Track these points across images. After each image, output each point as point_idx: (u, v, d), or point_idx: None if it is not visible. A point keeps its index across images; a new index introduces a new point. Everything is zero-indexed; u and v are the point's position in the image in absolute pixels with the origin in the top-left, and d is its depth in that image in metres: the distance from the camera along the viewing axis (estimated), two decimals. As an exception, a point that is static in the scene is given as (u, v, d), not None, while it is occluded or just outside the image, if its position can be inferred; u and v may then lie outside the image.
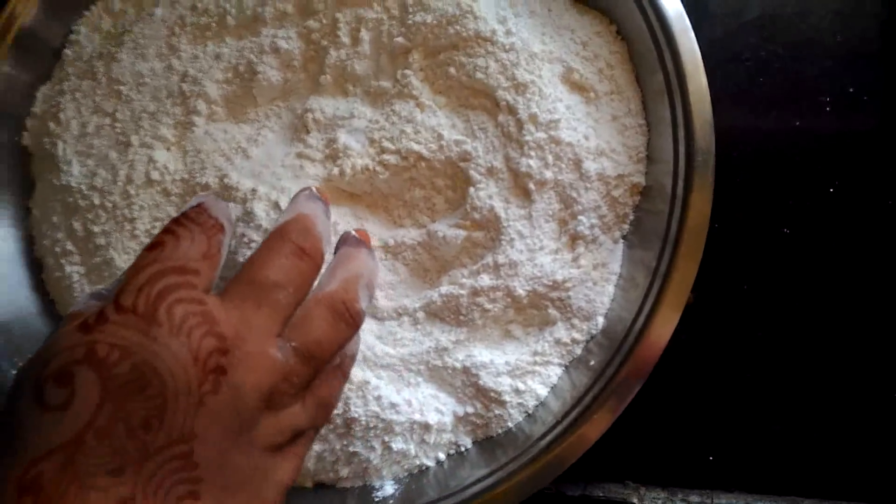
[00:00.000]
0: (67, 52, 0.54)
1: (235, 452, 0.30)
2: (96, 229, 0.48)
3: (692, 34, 0.43)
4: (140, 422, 0.27)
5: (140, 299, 0.29)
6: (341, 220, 0.47)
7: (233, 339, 0.30)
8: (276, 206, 0.45)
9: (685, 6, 0.44)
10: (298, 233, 0.35)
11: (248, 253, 0.44)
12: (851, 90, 0.50)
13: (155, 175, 0.48)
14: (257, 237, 0.45)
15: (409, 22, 0.47)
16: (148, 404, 0.27)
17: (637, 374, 0.42)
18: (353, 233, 0.39)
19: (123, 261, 0.48)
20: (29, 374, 0.28)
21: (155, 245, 0.31)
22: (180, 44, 0.51)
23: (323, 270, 0.36)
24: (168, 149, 0.50)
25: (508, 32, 0.46)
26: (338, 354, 0.35)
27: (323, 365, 0.34)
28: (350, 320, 0.34)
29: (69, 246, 0.50)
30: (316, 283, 0.35)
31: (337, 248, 0.39)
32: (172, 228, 0.32)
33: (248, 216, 0.45)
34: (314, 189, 0.39)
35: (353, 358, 0.38)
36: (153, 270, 0.30)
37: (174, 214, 0.47)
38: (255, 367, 0.30)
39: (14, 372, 0.48)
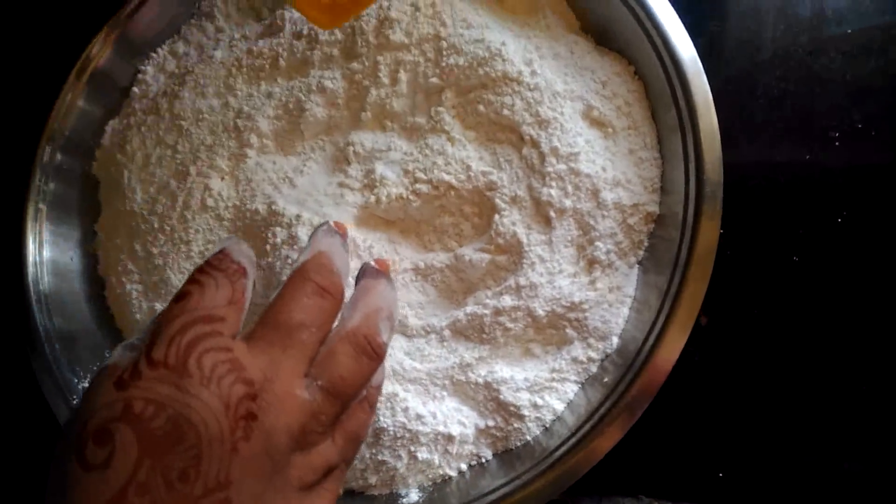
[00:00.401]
0: (135, 90, 0.59)
1: (271, 494, 0.30)
2: (155, 251, 0.53)
3: (704, 76, 0.47)
4: (178, 474, 0.28)
5: (171, 352, 0.30)
6: (376, 244, 0.51)
7: (261, 384, 0.30)
8: (317, 229, 0.49)
9: (702, 47, 0.47)
10: (318, 271, 0.35)
11: (291, 272, 0.49)
12: (860, 126, 0.52)
13: (210, 202, 0.53)
14: (299, 258, 0.49)
15: (444, 64, 0.51)
16: (184, 456, 0.28)
17: (647, 390, 0.44)
18: (373, 263, 0.40)
19: (178, 280, 0.52)
20: (71, 432, 0.29)
21: (182, 296, 0.32)
22: (236, 83, 0.56)
23: (345, 302, 0.37)
24: (223, 178, 0.54)
25: (533, 73, 0.50)
26: (364, 388, 0.36)
27: (350, 400, 0.35)
28: (373, 354, 0.35)
29: (130, 266, 0.54)
30: (338, 317, 0.36)
31: (357, 279, 0.40)
32: (197, 278, 0.33)
33: (292, 239, 0.49)
34: (331, 223, 0.40)
35: (378, 388, 0.39)
36: (182, 322, 0.31)
37: (224, 237, 0.52)
38: (284, 409, 0.31)
39: (75, 380, 0.52)
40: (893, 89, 0.52)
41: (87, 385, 0.52)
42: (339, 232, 0.40)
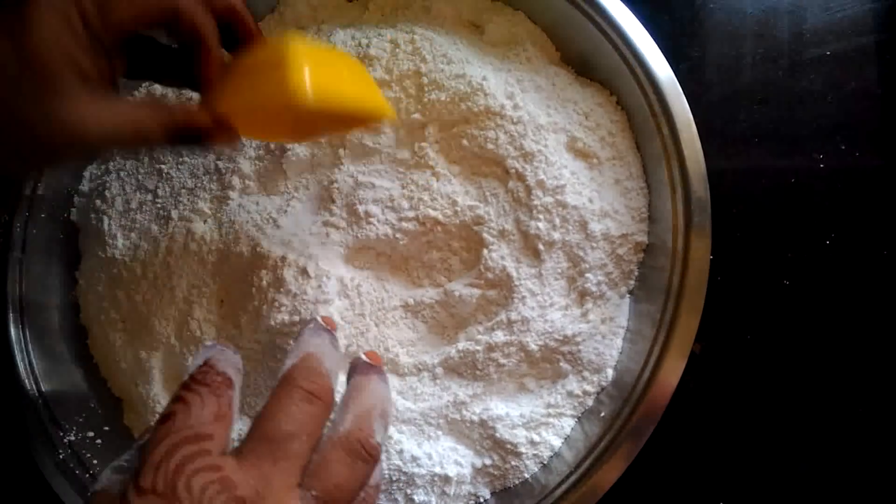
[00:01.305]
0: (113, 134, 0.59)
1: None
2: (138, 298, 0.52)
3: (685, 101, 0.47)
4: None
5: (159, 478, 0.29)
6: (364, 282, 0.50)
7: (253, 500, 0.30)
8: (304, 271, 0.49)
9: (683, 73, 0.47)
10: (306, 376, 0.34)
11: (279, 317, 0.48)
12: (843, 147, 0.52)
13: (193, 246, 0.52)
14: (287, 301, 0.48)
15: (425, 100, 0.51)
16: None
17: (647, 420, 0.44)
18: (363, 357, 0.39)
19: (162, 326, 0.51)
20: None
21: (167, 417, 0.31)
22: (216, 125, 0.55)
23: (337, 400, 0.36)
24: (205, 221, 0.53)
25: (516, 107, 0.50)
26: (360, 491, 0.35)
27: None
28: (367, 457, 0.34)
29: (113, 314, 0.53)
30: (330, 419, 0.36)
31: (349, 376, 0.39)
32: (182, 395, 0.32)
33: (278, 282, 0.49)
34: (319, 319, 0.39)
35: (377, 488, 0.38)
36: (168, 444, 0.30)
37: (209, 282, 0.51)
38: None
39: (62, 435, 0.51)
40: (876, 110, 0.52)
41: (73, 438, 0.51)
42: (328, 328, 0.39)
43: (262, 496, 0.30)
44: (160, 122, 0.37)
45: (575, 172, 0.49)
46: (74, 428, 0.52)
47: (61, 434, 0.51)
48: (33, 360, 0.53)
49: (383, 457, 0.45)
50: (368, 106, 0.42)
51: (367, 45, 0.52)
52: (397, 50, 0.52)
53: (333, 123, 0.43)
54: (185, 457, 0.30)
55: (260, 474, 0.31)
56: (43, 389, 0.52)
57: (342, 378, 0.40)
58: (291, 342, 0.48)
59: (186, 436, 0.30)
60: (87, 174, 0.59)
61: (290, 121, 0.40)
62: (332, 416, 0.35)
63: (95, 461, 0.50)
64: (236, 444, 0.32)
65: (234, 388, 0.34)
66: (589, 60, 0.53)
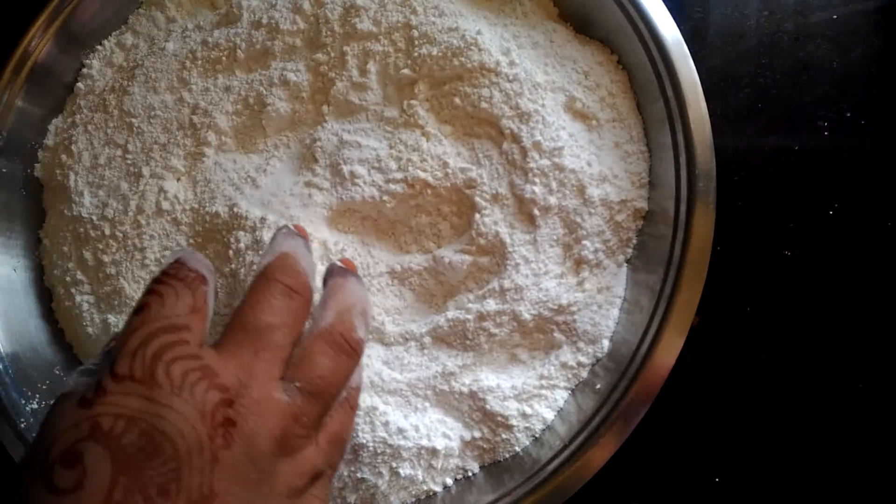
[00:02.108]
0: (80, 85, 0.55)
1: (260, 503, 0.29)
2: (107, 259, 0.49)
3: (691, 62, 0.44)
4: (157, 490, 0.26)
5: (136, 364, 0.28)
6: (349, 247, 0.48)
7: (236, 389, 0.29)
8: (285, 233, 0.46)
9: (685, 35, 0.45)
10: (283, 272, 0.34)
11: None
12: (849, 114, 0.51)
13: (165, 205, 0.49)
14: (266, 264, 0.45)
15: (415, 54, 0.48)
16: (162, 469, 0.26)
17: (643, 397, 0.42)
18: (339, 262, 0.39)
19: (133, 290, 0.48)
20: (34, 459, 0.27)
21: (141, 308, 0.30)
22: (191, 77, 0.52)
23: (314, 306, 0.36)
24: (178, 179, 0.50)
25: (512, 63, 0.47)
26: (344, 388, 0.35)
27: (331, 401, 0.33)
28: (350, 351, 0.34)
29: (79, 275, 0.50)
30: (309, 319, 0.35)
31: (325, 282, 0.38)
32: (155, 288, 0.31)
33: (257, 244, 0.46)
34: (291, 226, 0.39)
35: (358, 389, 0.37)
36: (144, 333, 0.29)
37: (183, 243, 0.48)
38: (263, 413, 0.29)
39: (22, 402, 0.48)
40: (881, 76, 0.51)
41: (36, 406, 0.48)
42: (301, 234, 0.38)
43: (245, 385, 0.29)
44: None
45: (573, 134, 0.47)
46: (38, 396, 0.49)
47: (23, 402, 0.48)
48: (-7, 325, 0.50)
49: (368, 427, 0.44)
50: None
51: (355, -6, 0.49)
52: (386, 0, 0.49)
53: None
54: (162, 345, 0.29)
55: (241, 364, 0.30)
56: (3, 354, 0.49)
57: (318, 286, 0.40)
58: None
59: (162, 325, 0.29)
60: (51, 127, 0.55)
61: None
62: (311, 314, 0.35)
63: (60, 431, 0.48)
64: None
65: (208, 284, 0.33)
66: (589, 17, 0.50)
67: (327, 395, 0.32)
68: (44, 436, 0.28)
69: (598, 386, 0.44)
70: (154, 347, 0.28)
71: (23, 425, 0.47)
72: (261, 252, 0.46)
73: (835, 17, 0.52)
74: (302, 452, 0.31)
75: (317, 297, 0.38)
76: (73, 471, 0.26)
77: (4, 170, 0.53)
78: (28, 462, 0.28)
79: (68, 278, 0.50)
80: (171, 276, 0.32)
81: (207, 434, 0.27)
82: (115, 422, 0.27)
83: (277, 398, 0.30)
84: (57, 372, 0.51)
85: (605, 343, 0.46)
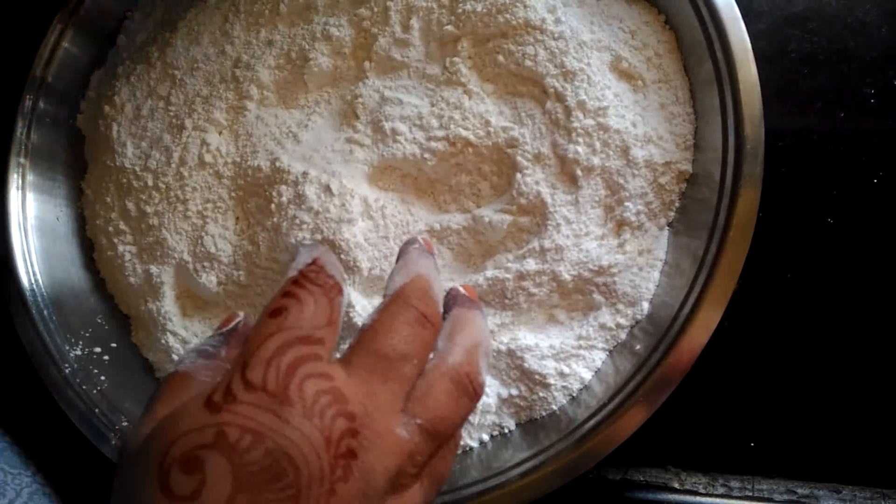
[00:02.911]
0: (122, 37, 0.55)
1: None
2: (149, 209, 0.49)
3: (742, 24, 0.44)
4: None
5: (269, 375, 0.27)
6: (389, 204, 0.48)
7: (361, 418, 0.28)
8: (327, 188, 0.46)
9: (732, 0, 0.44)
10: (420, 297, 0.32)
11: (299, 234, 0.45)
12: (896, 82, 0.50)
13: (208, 158, 0.49)
14: (308, 219, 0.46)
15: (459, 10, 0.48)
16: (281, 495, 0.25)
17: (681, 362, 0.42)
18: (462, 290, 0.37)
19: (175, 241, 0.49)
20: (151, 453, 0.26)
21: (278, 311, 0.29)
22: (233, 30, 0.52)
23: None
24: (220, 132, 0.50)
25: (558, 21, 0.47)
26: (460, 428, 0.33)
27: (445, 442, 0.32)
28: (473, 394, 0.32)
29: (122, 226, 0.51)
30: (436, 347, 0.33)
31: (447, 307, 0.36)
32: (294, 291, 0.30)
33: (299, 198, 0.46)
34: (422, 241, 0.36)
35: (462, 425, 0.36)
36: (280, 341, 0.28)
37: (225, 197, 0.49)
38: (384, 448, 0.28)
39: (66, 347, 0.49)
40: (933, 43, 0.50)
41: (79, 353, 0.49)
42: (430, 252, 0.36)
43: (370, 415, 0.28)
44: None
45: (618, 94, 0.46)
46: (80, 343, 0.49)
47: (67, 348, 0.49)
48: (38, 273, 0.50)
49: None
50: None
51: (400, -51, 0.49)
52: (431, -45, 0.49)
53: None
54: (297, 358, 0.27)
55: (369, 391, 0.29)
56: (49, 302, 0.50)
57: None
58: None
59: (299, 336, 0.28)
60: (94, 79, 0.55)
61: None
62: (437, 345, 0.33)
63: (103, 377, 0.48)
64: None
65: (343, 295, 0.31)
66: (637, -24, 0.49)
67: (444, 436, 0.31)
68: (164, 430, 0.26)
69: (637, 347, 0.44)
70: (289, 359, 0.27)
71: (67, 370, 0.48)
72: (303, 207, 0.46)
73: (887, -19, 0.51)
74: (409, 491, 0.30)
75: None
76: (192, 478, 0.25)
77: (49, 118, 0.53)
78: (140, 451, 0.27)
79: (111, 228, 0.51)
80: (310, 280, 0.30)
81: (329, 465, 0.26)
82: (242, 435, 0.25)
83: (398, 434, 0.29)
84: (99, 320, 0.51)
85: (645, 305, 0.46)
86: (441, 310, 0.33)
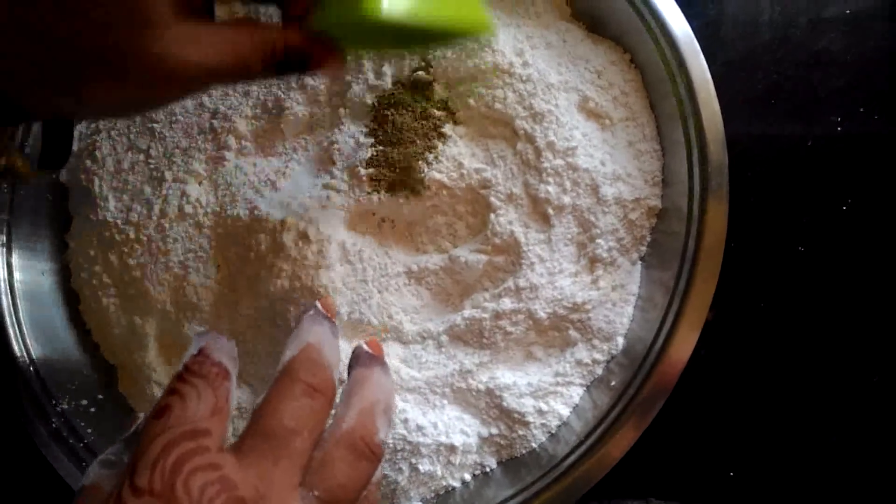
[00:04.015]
0: (102, 92, 0.56)
1: None
2: (132, 262, 0.50)
3: (702, 58, 0.45)
4: None
5: (155, 477, 0.27)
6: (367, 248, 0.49)
7: (254, 501, 0.28)
8: (305, 236, 0.47)
9: (699, 31, 0.45)
10: (307, 369, 0.33)
11: (279, 282, 0.46)
12: (862, 109, 0.50)
13: (188, 208, 0.50)
14: (287, 266, 0.46)
15: (430, 56, 0.49)
16: None
17: (658, 393, 0.43)
18: (365, 347, 0.38)
19: (157, 292, 0.50)
20: None
21: (162, 410, 0.30)
22: (210, 82, 0.53)
23: (338, 397, 0.35)
24: (200, 183, 0.51)
25: (525, 64, 0.48)
26: (363, 491, 0.34)
27: None
28: (371, 456, 0.33)
29: (105, 278, 0.51)
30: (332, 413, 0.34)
31: (350, 366, 0.37)
32: (177, 388, 0.30)
33: (277, 247, 0.47)
34: (318, 306, 0.37)
35: (377, 484, 0.37)
36: (164, 441, 0.28)
37: (206, 246, 0.49)
38: None
39: (54, 404, 0.49)
40: (895, 69, 0.50)
41: (66, 406, 0.50)
42: (328, 316, 0.37)
43: (264, 496, 0.29)
44: (261, 49, 0.33)
45: (586, 134, 0.47)
46: (67, 396, 0.50)
47: (53, 402, 0.49)
48: (24, 326, 0.51)
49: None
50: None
51: None
52: (400, 4, 0.50)
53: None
54: (182, 454, 0.28)
55: (260, 473, 0.29)
56: (34, 356, 0.51)
57: (343, 370, 0.39)
58: (291, 308, 0.47)
59: (183, 431, 0.29)
60: (75, 133, 0.56)
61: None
62: (333, 411, 0.34)
63: (89, 430, 0.49)
64: (232, 439, 0.31)
65: (231, 379, 0.32)
66: (601, 15, 0.50)
67: (345, 502, 0.32)
68: None
69: (613, 383, 0.45)
70: (174, 457, 0.28)
71: (53, 425, 0.48)
72: (281, 254, 0.47)
73: (848, 11, 0.52)
74: None
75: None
76: None
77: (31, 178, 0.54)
78: None
79: (95, 281, 0.52)
80: (193, 373, 0.31)
81: None
82: None
83: None
84: (85, 372, 0.52)
85: (620, 340, 0.46)
86: (334, 375, 0.34)
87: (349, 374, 0.36)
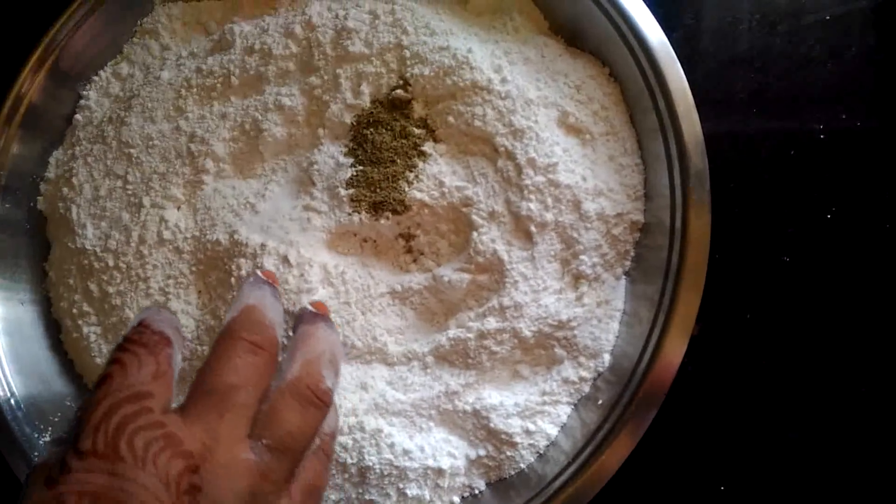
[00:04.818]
0: (78, 117, 0.56)
1: None
2: (111, 290, 0.50)
3: (680, 69, 0.44)
4: None
5: (98, 438, 0.28)
6: (349, 269, 0.48)
7: (201, 454, 0.29)
8: (285, 259, 0.46)
9: (678, 42, 0.45)
10: (248, 328, 0.34)
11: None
12: (844, 116, 0.50)
13: (167, 234, 0.49)
14: (267, 291, 0.46)
15: (408, 74, 0.48)
16: None
17: (646, 410, 0.42)
18: (309, 307, 0.38)
19: (139, 319, 0.49)
20: None
21: (104, 379, 0.30)
22: (187, 105, 0.52)
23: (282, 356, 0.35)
24: (178, 208, 0.51)
25: (504, 80, 0.47)
26: (314, 438, 0.34)
27: (301, 453, 0.33)
28: (318, 402, 0.34)
29: (86, 307, 0.51)
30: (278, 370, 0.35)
31: (295, 328, 0.38)
32: (117, 357, 0.31)
33: (258, 271, 0.46)
34: (259, 273, 0.38)
35: (333, 435, 0.37)
36: (106, 405, 0.29)
37: (186, 272, 0.49)
38: (229, 475, 0.29)
39: (35, 435, 0.49)
40: (878, 77, 0.50)
41: (48, 439, 0.49)
42: (269, 281, 0.38)
43: (210, 449, 0.29)
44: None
45: (567, 149, 0.47)
46: (50, 428, 0.49)
47: (36, 435, 0.49)
48: (3, 358, 0.51)
49: (374, 449, 0.44)
50: None
51: (345, 17, 0.50)
52: (377, 21, 0.50)
53: None
54: (125, 416, 0.29)
55: (206, 428, 0.30)
56: (14, 389, 0.50)
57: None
58: None
59: (126, 395, 0.29)
60: (52, 160, 0.56)
61: None
62: (279, 365, 0.34)
63: (73, 462, 0.48)
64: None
65: (173, 346, 0.33)
66: (579, 29, 0.50)
67: (296, 450, 0.32)
68: None
69: (601, 401, 0.44)
70: (116, 419, 0.28)
71: (36, 459, 0.48)
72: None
73: (827, 17, 0.51)
74: None
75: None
76: None
77: (8, 204, 0.54)
78: None
79: (75, 310, 0.51)
80: (133, 342, 0.32)
81: (173, 503, 0.28)
82: (80, 500, 0.27)
83: (244, 459, 0.30)
84: (68, 403, 0.51)
85: (606, 357, 0.46)
86: (279, 334, 0.35)
87: (294, 332, 0.37)
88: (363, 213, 0.48)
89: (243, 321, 0.34)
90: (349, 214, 0.48)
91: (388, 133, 0.49)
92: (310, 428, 0.33)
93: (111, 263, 0.50)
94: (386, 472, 0.45)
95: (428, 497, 0.45)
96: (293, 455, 0.32)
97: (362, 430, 0.44)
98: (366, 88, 0.49)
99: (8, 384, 0.50)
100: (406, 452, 0.45)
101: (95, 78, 0.56)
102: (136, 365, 0.31)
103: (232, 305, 0.36)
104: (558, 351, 0.46)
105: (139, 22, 0.57)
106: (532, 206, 0.45)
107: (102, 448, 0.28)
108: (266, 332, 0.34)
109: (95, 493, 0.27)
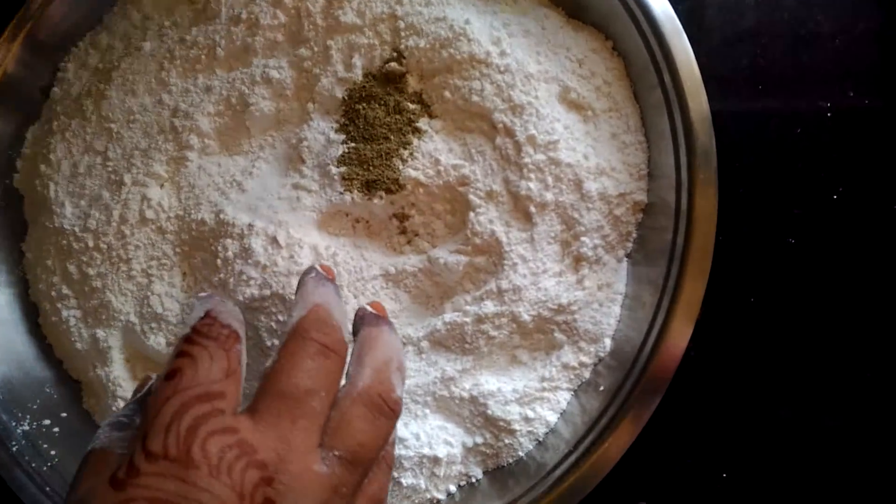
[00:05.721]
0: (56, 90, 0.53)
1: None
2: (91, 272, 0.47)
3: (688, 44, 0.43)
4: None
5: (170, 441, 0.26)
6: (341, 250, 0.46)
7: (275, 465, 0.28)
8: (274, 240, 0.44)
9: (682, 17, 0.43)
10: (318, 329, 0.32)
11: (247, 291, 0.44)
12: (851, 94, 0.49)
13: (149, 213, 0.47)
14: (255, 274, 0.44)
15: (402, 46, 0.46)
16: None
17: (649, 396, 0.41)
18: (369, 308, 0.37)
19: (120, 302, 0.47)
20: None
21: (172, 373, 0.28)
22: (170, 78, 0.50)
23: (348, 358, 0.34)
24: (162, 185, 0.49)
25: (503, 53, 0.45)
26: (383, 449, 0.33)
27: (371, 466, 0.32)
28: (390, 412, 0.32)
29: (65, 290, 0.49)
30: (344, 375, 0.33)
31: (355, 328, 0.36)
32: (187, 350, 0.29)
33: (245, 252, 0.44)
34: (318, 268, 0.36)
35: (394, 444, 0.36)
36: (177, 403, 0.27)
37: (170, 253, 0.47)
38: (304, 489, 0.28)
39: (15, 425, 0.47)
40: (885, 54, 0.49)
41: (27, 428, 0.47)
42: (329, 277, 0.36)
43: (284, 459, 0.28)
44: None
45: (568, 126, 0.45)
46: (28, 416, 0.47)
47: (14, 424, 0.47)
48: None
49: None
50: None
51: (337, -14, 0.47)
52: (370, -10, 0.47)
53: None
54: (197, 418, 0.27)
55: (279, 435, 0.28)
56: (-9, 375, 0.48)
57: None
58: (262, 318, 0.44)
59: (197, 394, 0.28)
60: (28, 135, 0.53)
61: None
62: (346, 371, 0.33)
63: (53, 452, 0.46)
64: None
65: (241, 342, 0.31)
66: (581, 1, 0.48)
67: (367, 462, 0.31)
68: None
69: (602, 387, 0.43)
70: (188, 420, 0.27)
71: (14, 448, 0.46)
72: (250, 261, 0.44)
73: (835, -9, 0.50)
74: None
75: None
76: None
77: (-19, 182, 0.51)
78: None
79: (53, 293, 0.49)
80: (203, 334, 0.30)
81: None
82: None
83: (316, 471, 0.29)
84: (47, 390, 0.49)
85: (608, 342, 0.45)
86: (346, 335, 0.33)
87: (355, 335, 0.36)
88: (355, 192, 0.46)
89: (312, 321, 0.32)
90: (341, 193, 0.46)
91: (382, 108, 0.47)
92: (381, 439, 0.32)
93: (91, 244, 0.48)
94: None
95: (423, 486, 0.44)
96: (364, 467, 0.31)
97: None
98: (358, 61, 0.47)
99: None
100: (401, 440, 0.43)
101: (74, 49, 0.54)
102: (208, 360, 0.29)
103: (297, 303, 0.34)
104: (558, 335, 0.45)
105: (119, -10, 0.54)
106: (531, 185, 0.44)
107: (174, 452, 0.26)
108: (335, 333, 0.32)
109: (167, 500, 0.25)
